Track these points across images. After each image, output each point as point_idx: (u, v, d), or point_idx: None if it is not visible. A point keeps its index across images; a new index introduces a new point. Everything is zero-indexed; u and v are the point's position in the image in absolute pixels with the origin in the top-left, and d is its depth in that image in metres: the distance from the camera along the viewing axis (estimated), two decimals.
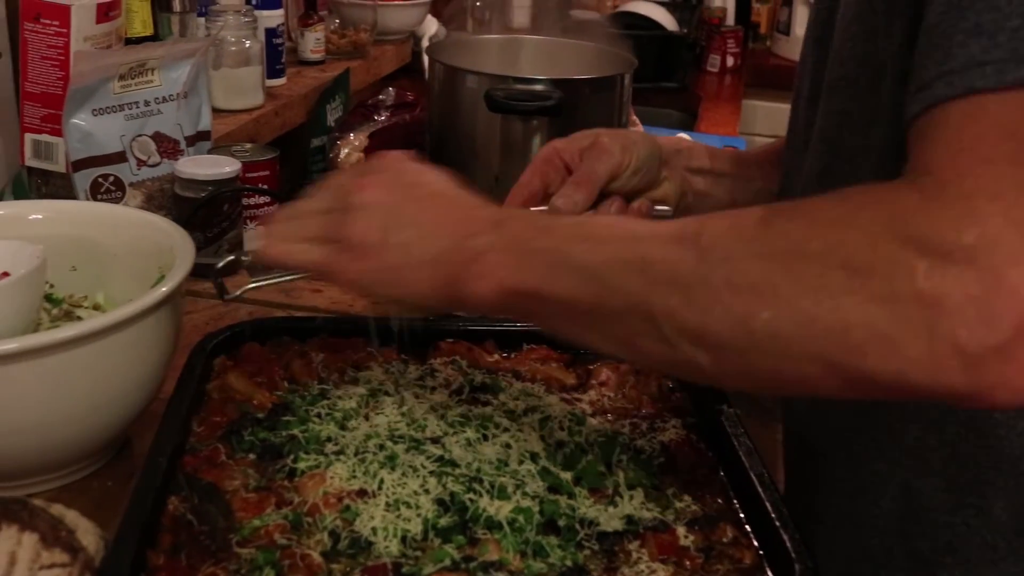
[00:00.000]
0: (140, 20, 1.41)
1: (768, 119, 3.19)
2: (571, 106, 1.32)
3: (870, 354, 0.53)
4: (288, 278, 0.82)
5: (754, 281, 0.56)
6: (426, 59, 1.45)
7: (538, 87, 1.32)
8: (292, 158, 1.70)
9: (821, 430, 0.85)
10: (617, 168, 0.90)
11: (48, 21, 1.17)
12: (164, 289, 0.79)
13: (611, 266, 0.62)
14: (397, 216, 0.70)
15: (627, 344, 0.63)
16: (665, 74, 2.61)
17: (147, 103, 1.20)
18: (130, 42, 1.35)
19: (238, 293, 0.83)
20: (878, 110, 0.72)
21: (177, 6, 1.51)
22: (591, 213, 0.88)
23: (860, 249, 0.54)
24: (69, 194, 1.18)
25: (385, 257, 0.69)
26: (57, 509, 0.67)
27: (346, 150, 1.65)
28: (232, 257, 0.85)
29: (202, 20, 1.54)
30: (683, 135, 1.98)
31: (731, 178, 0.97)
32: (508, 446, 0.77)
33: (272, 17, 1.66)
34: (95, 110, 1.16)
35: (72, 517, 0.66)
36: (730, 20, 3.18)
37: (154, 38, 1.45)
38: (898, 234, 0.53)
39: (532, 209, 0.87)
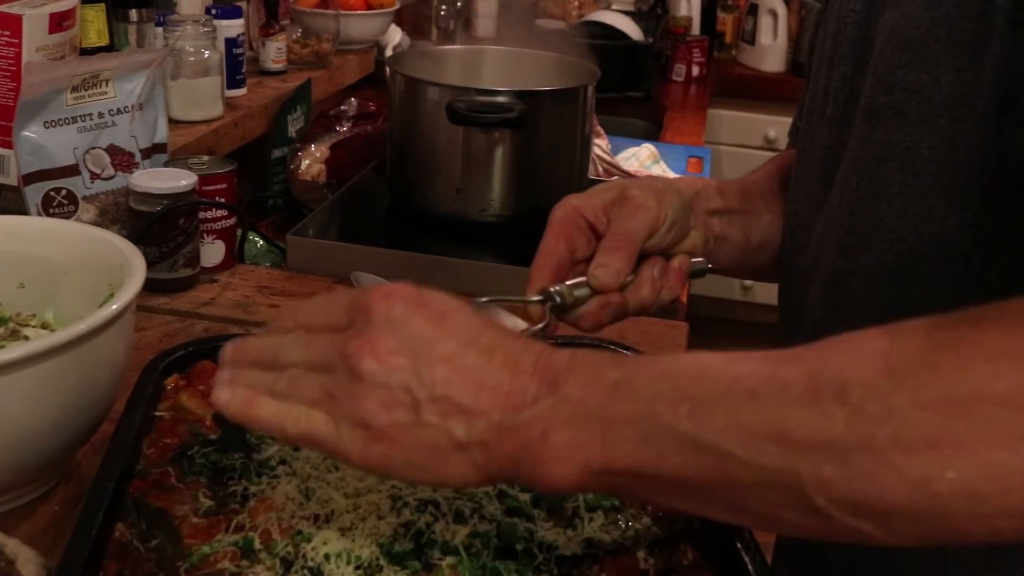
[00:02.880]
0: (95, 30, 1.39)
1: (733, 128, 3.20)
2: (534, 118, 1.31)
3: None
4: None
5: (931, 437, 0.47)
6: (388, 70, 1.44)
7: (500, 99, 1.31)
8: (253, 169, 1.67)
9: None
10: (654, 224, 0.79)
11: None
12: (114, 307, 0.77)
13: (731, 436, 0.51)
14: (418, 388, 0.55)
15: (765, 519, 0.53)
16: (630, 84, 2.61)
17: (101, 115, 1.18)
18: (85, 52, 1.33)
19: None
20: (933, 147, 0.68)
21: (134, 16, 1.49)
22: (632, 277, 0.79)
23: None
24: (21, 208, 1.16)
25: (412, 441, 0.56)
26: None
27: (307, 161, 1.63)
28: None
29: (160, 30, 1.52)
30: (648, 145, 1.99)
31: (741, 215, 0.89)
32: None
33: (232, 27, 1.64)
34: (47, 122, 1.13)
35: (12, 546, 0.64)
36: (695, 29, 3.19)
37: (110, 48, 1.42)
38: None
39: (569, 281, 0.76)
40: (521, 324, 0.78)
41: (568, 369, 0.56)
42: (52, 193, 1.15)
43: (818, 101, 0.82)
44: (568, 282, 0.78)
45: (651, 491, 0.55)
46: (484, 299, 0.77)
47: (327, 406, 0.58)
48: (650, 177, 1.15)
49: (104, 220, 1.19)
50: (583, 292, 0.78)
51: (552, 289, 0.77)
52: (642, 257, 0.80)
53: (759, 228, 0.91)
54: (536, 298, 0.77)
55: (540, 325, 0.76)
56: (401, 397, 0.56)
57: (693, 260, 0.84)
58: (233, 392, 0.61)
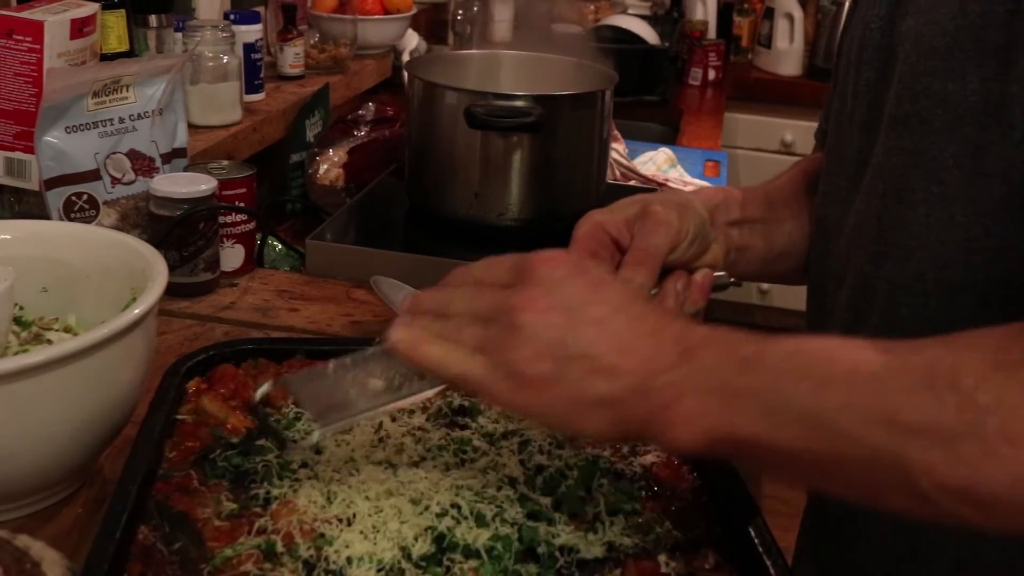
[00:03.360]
0: (115, 36, 1.40)
1: (750, 132, 3.19)
2: (552, 122, 1.31)
3: None
4: (365, 415, 0.72)
5: None
6: (406, 74, 1.44)
7: (518, 103, 1.31)
8: (271, 174, 1.68)
9: None
10: (676, 239, 0.81)
11: (21, 37, 1.15)
12: (136, 311, 0.77)
13: (846, 414, 0.54)
14: (568, 344, 0.60)
15: (870, 496, 0.56)
16: (647, 88, 2.61)
17: (121, 120, 1.18)
18: (105, 58, 1.33)
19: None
20: (958, 155, 0.68)
21: (153, 21, 1.50)
22: (656, 291, 0.81)
23: None
24: (42, 212, 1.17)
25: (557, 392, 0.61)
26: (23, 540, 0.65)
27: (325, 166, 1.64)
28: (267, 387, 0.78)
29: (179, 35, 1.53)
30: (665, 149, 1.98)
31: (763, 224, 0.90)
32: (487, 471, 0.75)
33: (250, 32, 1.65)
34: (68, 127, 1.14)
35: (38, 548, 0.65)
36: (712, 33, 3.19)
37: (130, 54, 1.43)
38: None
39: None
40: None
41: (705, 342, 0.61)
42: (73, 198, 1.16)
43: (846, 105, 0.82)
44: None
45: (767, 461, 0.59)
46: None
47: (485, 352, 0.63)
48: (671, 191, 1.14)
49: (125, 225, 1.19)
50: None
51: None
52: (666, 271, 0.81)
53: (781, 236, 0.91)
54: None
55: None
56: (552, 351, 0.60)
57: (716, 274, 0.85)
58: (406, 332, 0.66)
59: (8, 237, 0.92)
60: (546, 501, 0.73)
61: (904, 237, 0.73)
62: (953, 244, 0.69)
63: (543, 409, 0.62)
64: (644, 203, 0.82)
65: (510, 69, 1.53)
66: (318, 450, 0.77)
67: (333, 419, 0.71)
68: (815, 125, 0.98)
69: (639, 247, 0.80)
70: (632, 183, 1.78)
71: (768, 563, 0.67)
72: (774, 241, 0.91)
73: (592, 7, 2.89)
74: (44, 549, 0.65)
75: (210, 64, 1.53)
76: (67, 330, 0.90)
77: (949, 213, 0.69)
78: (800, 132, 3.10)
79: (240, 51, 1.61)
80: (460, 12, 2.49)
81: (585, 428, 0.62)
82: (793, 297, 3.25)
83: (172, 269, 1.16)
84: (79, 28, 1.20)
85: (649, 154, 1.94)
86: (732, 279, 0.87)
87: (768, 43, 3.25)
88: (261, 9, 1.80)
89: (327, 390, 0.73)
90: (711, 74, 3.02)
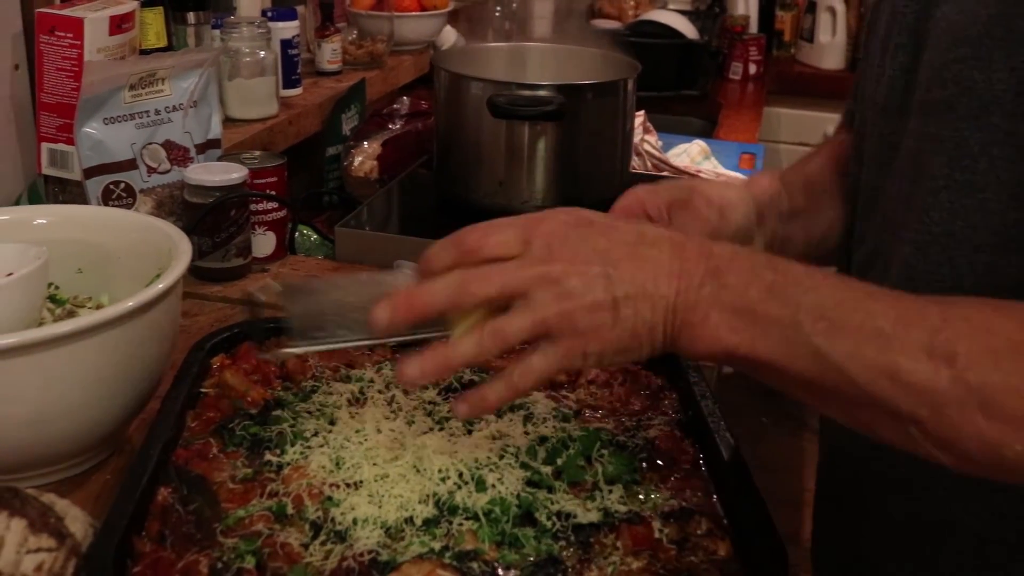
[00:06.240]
0: (154, 32, 1.44)
1: (792, 126, 3.18)
2: (574, 111, 1.33)
3: None
4: (345, 345, 0.78)
5: (1010, 414, 0.57)
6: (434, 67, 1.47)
7: (541, 92, 1.34)
8: (309, 166, 1.72)
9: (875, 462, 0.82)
10: (711, 235, 0.84)
11: (62, 34, 1.20)
12: (160, 286, 0.81)
13: (854, 362, 0.60)
14: (616, 285, 0.65)
15: (864, 426, 0.63)
16: (686, 82, 2.62)
17: (157, 112, 1.23)
18: (144, 54, 1.38)
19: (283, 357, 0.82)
20: (985, 143, 0.69)
21: (192, 19, 1.54)
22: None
23: None
24: (84, 201, 1.21)
25: (617, 333, 0.65)
26: (48, 497, 0.69)
27: (360, 158, 1.68)
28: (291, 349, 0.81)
29: (217, 32, 1.58)
30: (699, 141, 1.99)
31: (805, 214, 0.94)
32: (492, 438, 0.78)
33: (287, 29, 1.69)
34: (106, 119, 1.19)
35: (62, 505, 0.69)
36: (753, 28, 3.18)
37: (168, 50, 1.48)
38: None
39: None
40: None
41: (731, 261, 0.66)
42: (111, 186, 1.21)
43: (871, 88, 0.82)
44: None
45: (777, 381, 0.64)
46: None
47: (551, 337, 0.65)
48: (725, 182, 1.15)
49: (160, 212, 1.24)
50: None
51: None
52: None
53: (822, 224, 0.93)
54: None
55: None
56: (603, 300, 0.65)
57: None
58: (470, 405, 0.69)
59: (44, 221, 0.96)
60: (547, 469, 0.76)
61: (926, 223, 0.74)
62: (987, 230, 0.71)
63: (610, 351, 0.66)
64: (691, 191, 0.86)
65: (537, 61, 1.55)
66: (331, 420, 0.80)
67: (309, 340, 0.76)
68: None
69: None
70: (664, 174, 1.79)
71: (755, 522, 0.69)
72: (813, 231, 0.93)
73: (632, 2, 2.91)
74: (68, 506, 0.69)
75: (247, 59, 1.57)
76: (99, 308, 0.95)
77: (978, 200, 0.70)
78: None
79: (276, 47, 1.65)
80: (499, 8, 2.51)
81: (643, 353, 0.67)
82: None
83: (205, 255, 1.21)
84: (118, 24, 1.24)
85: (683, 146, 1.95)
86: None
87: (811, 37, 3.23)
88: (300, 7, 1.85)
89: (315, 310, 0.77)
90: (751, 68, 3.01)
